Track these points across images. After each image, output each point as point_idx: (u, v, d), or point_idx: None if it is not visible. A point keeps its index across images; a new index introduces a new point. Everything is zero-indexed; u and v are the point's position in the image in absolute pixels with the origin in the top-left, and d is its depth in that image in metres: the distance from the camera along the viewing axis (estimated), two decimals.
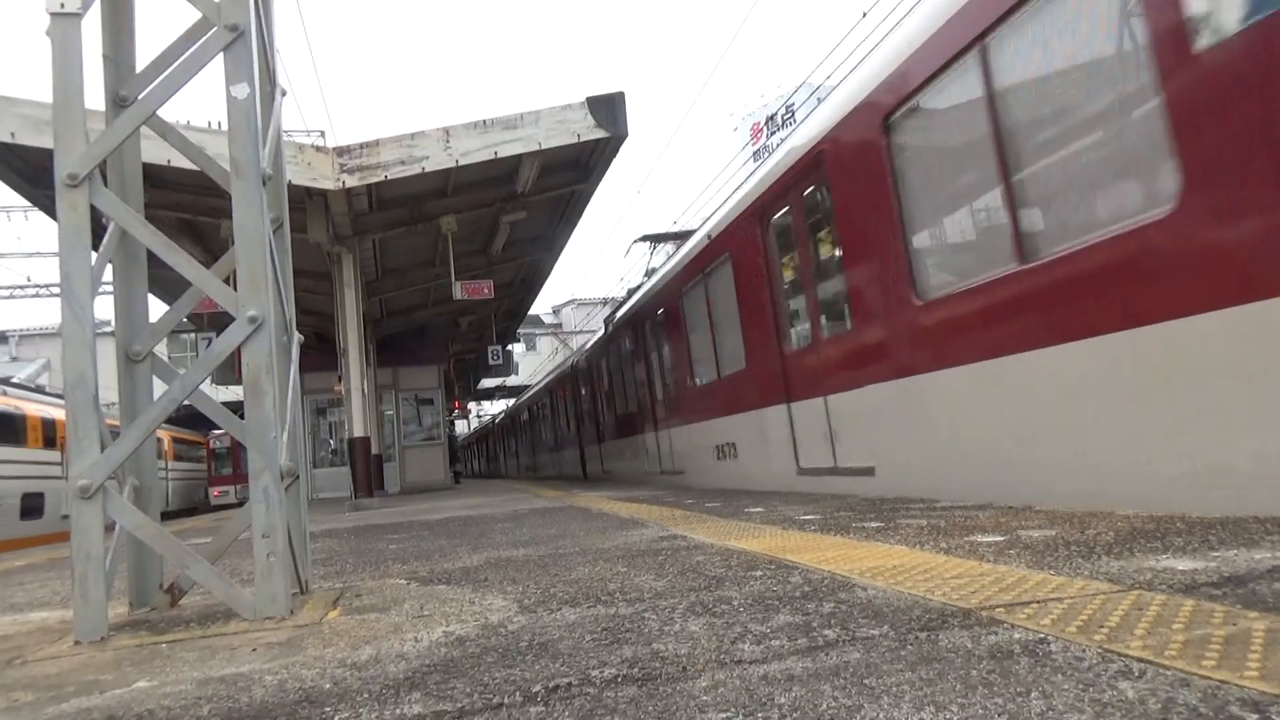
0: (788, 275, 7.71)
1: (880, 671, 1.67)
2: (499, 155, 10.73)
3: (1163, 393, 3.66)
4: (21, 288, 33.27)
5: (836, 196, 6.43)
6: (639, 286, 13.49)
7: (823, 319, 7.03)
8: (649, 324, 12.11)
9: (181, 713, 1.83)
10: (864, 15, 12.40)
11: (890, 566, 2.85)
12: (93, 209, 2.98)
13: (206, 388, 3.44)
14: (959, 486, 5.15)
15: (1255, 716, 1.27)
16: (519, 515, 7.20)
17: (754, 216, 8.05)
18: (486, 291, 14.11)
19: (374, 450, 14.54)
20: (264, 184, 3.12)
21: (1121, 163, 4.01)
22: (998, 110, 4.61)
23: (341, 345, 12.82)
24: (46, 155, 8.88)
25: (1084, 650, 1.69)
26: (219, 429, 23.60)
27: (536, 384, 27.48)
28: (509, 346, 25.12)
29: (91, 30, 3.13)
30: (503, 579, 3.43)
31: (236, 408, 3.12)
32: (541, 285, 19.10)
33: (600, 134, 10.86)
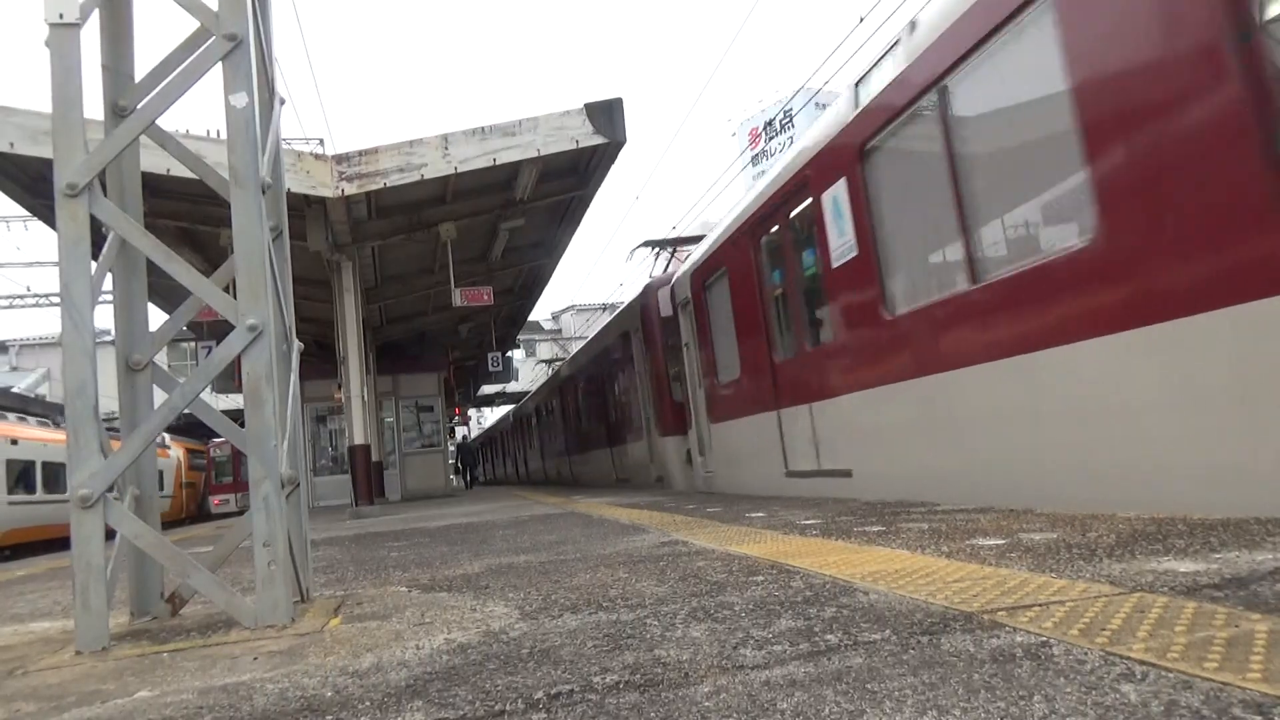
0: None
1: (882, 676, 1.66)
2: (498, 162, 10.72)
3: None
4: (21, 297, 33.22)
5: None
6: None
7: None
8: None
9: None
10: (861, 20, 12.43)
11: (892, 570, 2.85)
12: (92, 218, 2.99)
13: (207, 396, 3.44)
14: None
15: (1258, 718, 1.27)
16: (520, 522, 7.19)
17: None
18: (486, 298, 14.10)
19: (374, 457, 14.51)
20: (263, 192, 3.13)
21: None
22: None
23: (341, 353, 12.80)
24: (45, 165, 8.91)
25: (1086, 653, 1.68)
26: (219, 437, 23.76)
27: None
28: (509, 353, 25.10)
29: (90, 40, 3.15)
30: (504, 586, 3.42)
31: (237, 416, 3.12)
32: (541, 291, 19.08)
33: (599, 140, 10.86)
